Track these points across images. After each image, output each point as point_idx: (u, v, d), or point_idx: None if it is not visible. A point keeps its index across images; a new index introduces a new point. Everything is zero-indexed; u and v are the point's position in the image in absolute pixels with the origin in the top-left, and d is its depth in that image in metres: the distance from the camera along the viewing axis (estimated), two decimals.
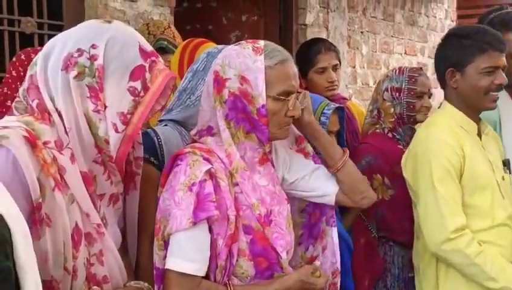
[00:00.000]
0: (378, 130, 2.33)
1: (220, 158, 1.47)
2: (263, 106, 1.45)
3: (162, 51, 2.48)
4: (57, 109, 1.30)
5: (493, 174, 2.01)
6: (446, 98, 2.10)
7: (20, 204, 1.09)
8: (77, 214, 1.30)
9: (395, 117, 2.29)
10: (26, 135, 1.23)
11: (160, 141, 1.64)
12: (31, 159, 1.22)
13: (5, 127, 1.23)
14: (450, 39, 2.06)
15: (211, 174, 1.42)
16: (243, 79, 1.46)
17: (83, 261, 1.31)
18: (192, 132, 1.56)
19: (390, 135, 2.31)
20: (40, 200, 1.22)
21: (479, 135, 2.07)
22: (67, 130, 1.29)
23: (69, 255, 1.28)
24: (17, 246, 0.92)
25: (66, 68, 1.30)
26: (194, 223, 1.37)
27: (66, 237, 1.27)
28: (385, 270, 2.24)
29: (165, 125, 1.71)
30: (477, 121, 2.08)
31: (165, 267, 1.42)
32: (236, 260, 1.44)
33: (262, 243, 1.46)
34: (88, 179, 1.32)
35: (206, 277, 1.44)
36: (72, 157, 1.29)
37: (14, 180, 1.19)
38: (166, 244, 1.43)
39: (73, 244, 1.28)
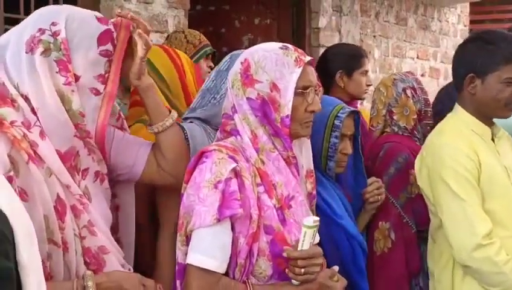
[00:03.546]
0: (388, 130, 2.33)
1: (244, 157, 1.48)
2: (287, 116, 1.47)
3: (207, 56, 2.51)
4: (22, 95, 1.32)
5: (509, 179, 1.99)
6: (459, 101, 2.08)
7: None
8: (57, 186, 1.31)
9: (416, 115, 2.32)
10: None
11: (187, 136, 1.66)
12: (0, 137, 1.24)
13: None
14: (474, 43, 2.00)
15: (236, 173, 1.43)
16: (274, 86, 1.47)
17: (72, 232, 1.31)
18: (218, 134, 1.57)
19: (406, 134, 2.31)
20: (11, 173, 1.23)
21: (493, 139, 2.05)
22: (36, 110, 1.31)
23: (54, 227, 1.28)
24: (20, 245, 0.91)
25: (31, 50, 1.32)
26: (218, 220, 1.38)
27: (48, 210, 1.28)
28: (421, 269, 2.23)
29: (190, 122, 1.72)
30: (490, 124, 2.06)
31: (186, 262, 1.43)
32: (256, 260, 1.44)
33: (282, 244, 1.46)
34: (63, 157, 1.33)
35: (225, 274, 1.44)
36: (42, 134, 1.31)
37: None
38: (188, 239, 1.44)
39: (58, 216, 1.29)
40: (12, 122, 1.27)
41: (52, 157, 1.31)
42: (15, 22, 2.63)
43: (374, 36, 4.89)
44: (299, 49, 1.54)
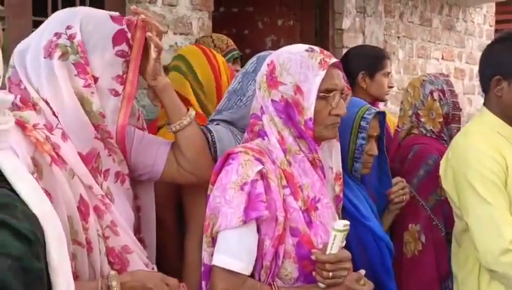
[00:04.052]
0: (416, 132, 2.32)
1: (271, 159, 1.48)
2: (310, 119, 1.47)
3: (234, 60, 2.53)
4: (43, 98, 1.34)
5: None
6: (486, 104, 2.05)
7: None
8: (80, 187, 1.33)
9: (442, 118, 2.29)
10: (17, 118, 1.27)
11: (214, 138, 1.67)
12: (23, 140, 1.25)
13: None
14: (502, 44, 1.97)
15: (262, 175, 1.43)
16: (297, 89, 1.48)
17: (95, 232, 1.33)
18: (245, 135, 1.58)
19: (434, 136, 2.30)
20: (35, 176, 1.25)
21: None
22: (56, 114, 1.33)
23: (78, 227, 1.30)
24: (50, 247, 0.92)
25: (49, 55, 1.34)
26: (244, 222, 1.39)
27: (72, 211, 1.29)
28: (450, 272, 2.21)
29: (217, 124, 1.74)
30: None
31: (212, 263, 1.44)
32: (282, 262, 1.45)
33: (308, 247, 1.46)
34: (85, 158, 1.35)
35: (251, 276, 1.45)
36: (64, 136, 1.33)
37: None
38: (214, 241, 1.45)
39: (82, 216, 1.31)
40: (34, 125, 1.29)
41: (74, 158, 1.33)
42: None
43: (398, 37, 4.85)
44: (325, 51, 1.54)
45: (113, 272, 1.34)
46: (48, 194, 1.26)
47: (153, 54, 1.43)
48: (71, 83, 1.33)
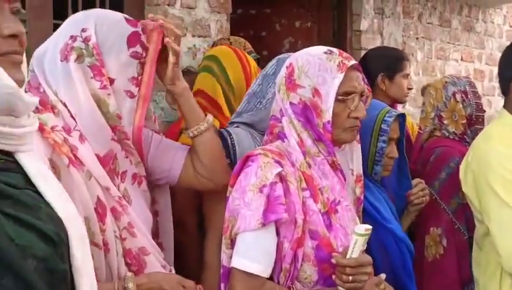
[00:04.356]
0: (438, 134, 2.29)
1: (290, 161, 1.48)
2: (329, 122, 1.46)
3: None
4: (61, 101, 1.35)
5: None
6: (505, 105, 2.02)
7: None
8: (97, 189, 1.33)
9: (465, 119, 2.27)
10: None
11: (233, 141, 1.68)
12: (42, 142, 1.26)
13: None
14: None
15: (281, 177, 1.43)
16: (316, 92, 1.47)
17: (112, 233, 1.33)
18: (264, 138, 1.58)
19: (456, 138, 2.27)
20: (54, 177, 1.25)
21: None
22: (74, 116, 1.34)
23: (95, 229, 1.30)
24: (74, 249, 0.94)
25: (65, 58, 1.35)
26: (263, 225, 1.39)
27: (89, 212, 1.30)
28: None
29: (237, 126, 1.74)
30: None
31: (231, 265, 1.44)
32: (301, 265, 1.44)
33: (328, 250, 1.45)
34: (102, 160, 1.35)
35: (270, 279, 1.45)
36: (81, 138, 1.33)
37: None
38: (233, 243, 1.45)
39: (99, 218, 1.31)
40: (53, 127, 1.30)
41: (92, 160, 1.34)
42: None
43: (417, 38, 4.81)
44: (344, 53, 1.53)
45: (129, 274, 1.34)
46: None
47: (171, 58, 1.44)
48: (87, 86, 1.35)
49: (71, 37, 1.37)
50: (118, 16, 1.44)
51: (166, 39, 1.42)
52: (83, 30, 1.37)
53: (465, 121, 2.29)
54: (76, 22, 1.41)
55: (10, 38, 0.89)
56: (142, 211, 1.44)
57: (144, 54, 1.40)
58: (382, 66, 2.58)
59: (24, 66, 0.95)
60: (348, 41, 4.16)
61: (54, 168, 1.26)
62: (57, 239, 0.90)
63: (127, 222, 1.37)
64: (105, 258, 1.33)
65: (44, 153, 1.26)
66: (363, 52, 4.04)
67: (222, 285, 1.49)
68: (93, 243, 1.30)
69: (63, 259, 0.91)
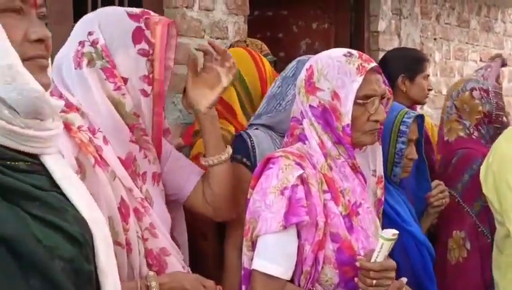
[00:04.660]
0: (462, 133, 2.26)
1: (311, 163, 1.48)
2: (348, 125, 1.46)
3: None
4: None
5: None
6: None
7: None
8: (121, 189, 1.34)
9: (482, 115, 2.24)
10: (63, 120, 1.29)
11: (253, 143, 1.68)
12: (69, 141, 1.28)
13: None
14: None
15: (302, 180, 1.43)
16: (335, 95, 1.47)
17: (135, 233, 1.34)
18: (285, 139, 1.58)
19: (476, 134, 2.24)
20: (79, 177, 1.24)
21: None
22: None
23: (119, 228, 1.31)
24: (99, 250, 0.94)
25: (78, 65, 1.36)
26: (284, 227, 1.39)
27: (113, 212, 1.31)
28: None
29: (256, 128, 1.74)
30: None
31: (252, 267, 1.44)
32: (322, 267, 1.44)
33: (349, 252, 1.45)
34: (124, 163, 1.36)
35: (291, 281, 1.45)
36: (105, 139, 1.34)
37: None
38: (254, 245, 1.45)
39: (122, 218, 1.32)
40: (79, 127, 1.32)
41: (115, 161, 1.35)
42: None
43: (435, 39, 4.77)
44: (364, 56, 1.52)
45: (151, 273, 1.35)
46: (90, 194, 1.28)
47: (225, 83, 1.47)
48: (103, 88, 1.35)
49: (80, 43, 1.37)
50: (119, 11, 1.43)
51: (228, 65, 1.46)
52: (90, 33, 1.37)
53: (479, 116, 2.26)
54: (83, 26, 1.41)
55: (37, 42, 0.90)
56: (162, 211, 1.45)
57: (151, 51, 1.38)
58: (402, 67, 2.57)
59: (49, 69, 0.96)
60: (366, 42, 4.14)
61: (80, 167, 1.28)
62: (82, 240, 0.91)
63: (149, 222, 1.38)
64: (127, 258, 1.34)
65: (71, 152, 1.28)
66: (380, 54, 4.03)
67: (243, 287, 1.50)
68: (116, 243, 1.31)
69: (88, 260, 0.92)
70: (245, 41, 2.69)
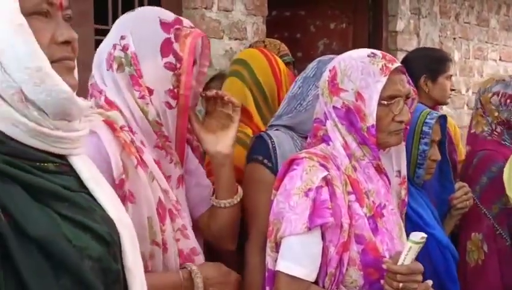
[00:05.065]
0: (486, 128, 2.23)
1: (335, 164, 1.47)
2: (372, 126, 1.45)
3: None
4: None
5: None
6: None
7: None
8: (159, 191, 1.35)
9: (499, 120, 2.20)
10: (105, 118, 1.31)
11: (274, 144, 1.67)
12: (113, 140, 1.28)
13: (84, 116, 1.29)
14: None
15: (327, 181, 1.42)
16: (359, 95, 1.46)
17: (171, 234, 1.35)
18: (308, 140, 1.58)
19: (498, 129, 2.20)
20: (123, 177, 1.28)
21: None
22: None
23: (157, 228, 1.32)
24: (126, 250, 0.95)
25: (110, 66, 1.36)
26: (309, 229, 1.39)
27: (152, 212, 1.32)
28: None
29: (276, 129, 1.74)
30: None
31: (276, 269, 1.44)
32: (346, 269, 1.43)
33: (373, 254, 1.44)
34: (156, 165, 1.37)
35: (315, 283, 1.44)
36: (142, 142, 1.35)
37: (97, 160, 1.22)
38: (278, 246, 1.45)
39: (160, 218, 1.33)
40: (122, 127, 1.32)
41: (153, 163, 1.36)
42: (105, 32, 2.77)
43: (454, 38, 4.73)
44: (388, 56, 1.51)
45: (191, 264, 1.38)
46: (132, 194, 1.30)
47: (234, 131, 1.47)
48: (131, 94, 1.35)
49: (113, 45, 1.37)
50: (153, 16, 1.39)
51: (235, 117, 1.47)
52: (122, 38, 1.37)
53: (497, 121, 2.19)
54: (116, 28, 1.40)
55: (63, 44, 0.91)
56: (187, 213, 1.47)
57: (178, 65, 1.36)
58: (425, 67, 2.53)
59: (76, 71, 0.97)
60: (384, 42, 4.12)
61: (123, 166, 1.28)
62: (110, 240, 0.92)
63: (181, 224, 1.39)
64: (163, 257, 1.35)
65: (118, 152, 1.28)
66: (399, 53, 4.00)
67: (267, 288, 1.49)
68: (154, 242, 1.33)
69: (116, 260, 0.93)
70: (263, 42, 2.68)
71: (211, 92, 1.50)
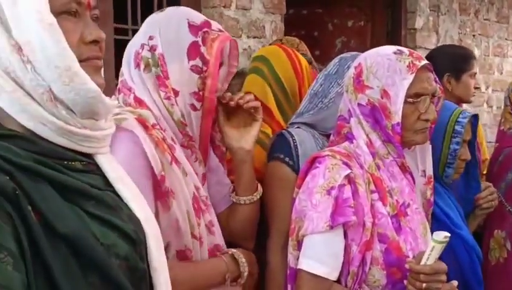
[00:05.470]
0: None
1: (358, 163, 1.46)
2: (398, 124, 1.44)
3: None
4: None
5: None
6: None
7: (146, 180, 1.23)
8: (192, 186, 1.36)
9: None
10: (137, 116, 1.31)
11: (295, 142, 1.67)
12: (147, 138, 1.29)
13: (116, 114, 1.28)
14: None
15: (349, 179, 1.42)
16: (384, 93, 1.45)
17: (204, 228, 1.38)
18: (331, 138, 1.57)
19: None
20: (163, 173, 1.29)
21: None
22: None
23: (194, 222, 1.34)
24: (152, 249, 0.95)
25: (137, 65, 1.37)
26: (331, 227, 1.38)
27: (189, 206, 1.34)
28: None
29: (298, 127, 1.73)
30: None
31: (298, 267, 1.44)
32: (369, 268, 1.42)
33: (397, 253, 1.43)
34: None
35: (337, 282, 1.44)
36: (173, 139, 1.36)
37: (140, 157, 1.26)
38: (300, 244, 1.45)
39: (195, 213, 1.35)
40: (153, 125, 1.33)
41: (185, 159, 1.37)
42: (124, 32, 2.79)
43: (474, 35, 4.67)
44: (415, 53, 1.49)
45: (230, 249, 1.42)
46: (171, 190, 1.31)
47: (256, 130, 1.47)
48: (157, 93, 1.36)
49: (141, 45, 1.38)
50: (181, 17, 1.39)
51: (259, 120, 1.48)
52: (150, 38, 1.37)
53: None
54: (147, 26, 1.41)
55: (92, 44, 0.91)
56: (213, 210, 1.47)
57: (205, 68, 1.37)
58: (448, 65, 2.50)
59: (102, 70, 0.97)
60: (403, 39, 4.09)
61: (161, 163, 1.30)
62: (136, 239, 0.92)
63: (209, 220, 1.41)
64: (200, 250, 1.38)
65: (153, 149, 1.29)
66: (418, 51, 3.96)
67: (289, 286, 1.49)
68: (192, 235, 1.35)
69: (142, 258, 0.93)
70: (281, 40, 2.66)
71: (227, 97, 1.49)
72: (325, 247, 1.40)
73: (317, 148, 1.65)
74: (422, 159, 1.60)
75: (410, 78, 1.43)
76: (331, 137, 1.58)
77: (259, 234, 1.64)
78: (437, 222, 1.67)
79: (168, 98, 1.36)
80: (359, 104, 1.48)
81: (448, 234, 1.38)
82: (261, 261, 1.64)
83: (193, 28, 1.38)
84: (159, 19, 1.42)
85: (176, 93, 1.36)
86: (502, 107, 2.39)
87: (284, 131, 1.74)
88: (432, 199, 1.62)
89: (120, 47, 2.40)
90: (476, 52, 4.73)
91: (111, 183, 0.96)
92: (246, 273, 1.41)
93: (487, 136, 3.87)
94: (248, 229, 1.54)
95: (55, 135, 0.87)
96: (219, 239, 1.44)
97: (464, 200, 1.92)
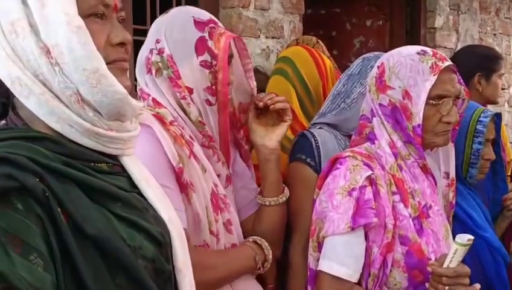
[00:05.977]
0: None
1: (380, 164, 1.45)
2: (419, 125, 1.42)
3: None
4: None
5: None
6: None
7: (166, 173, 1.24)
8: (210, 182, 1.36)
9: None
10: (154, 113, 1.33)
11: (317, 143, 1.66)
12: (166, 133, 1.30)
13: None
14: None
15: (371, 181, 1.41)
16: (406, 93, 1.44)
17: (222, 225, 1.37)
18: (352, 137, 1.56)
19: None
20: (181, 165, 1.29)
21: None
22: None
23: (212, 218, 1.34)
24: (177, 249, 0.96)
25: (149, 71, 1.39)
26: (352, 229, 1.37)
27: (207, 202, 1.34)
28: None
29: (320, 128, 1.72)
30: None
31: (318, 268, 1.43)
32: (390, 271, 1.41)
33: (418, 256, 1.41)
34: None
35: (358, 284, 1.43)
36: (191, 136, 1.37)
37: (159, 151, 1.27)
38: (320, 246, 1.44)
39: (213, 209, 1.35)
40: (171, 122, 1.35)
41: (203, 156, 1.37)
42: (143, 33, 2.80)
43: (494, 34, 4.61)
44: (438, 54, 1.47)
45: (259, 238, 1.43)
46: (191, 183, 1.32)
47: (284, 129, 1.48)
48: (173, 95, 1.37)
49: (150, 50, 1.39)
50: (186, 17, 1.40)
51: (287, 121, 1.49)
52: (157, 41, 1.38)
53: None
54: (153, 30, 1.42)
55: (118, 46, 0.92)
56: (234, 211, 1.47)
57: (214, 62, 1.37)
58: (478, 65, 2.45)
59: (128, 72, 0.98)
60: (422, 38, 4.05)
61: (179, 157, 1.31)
62: (162, 240, 0.92)
63: (227, 218, 1.40)
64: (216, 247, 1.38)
65: (172, 143, 1.30)
66: (437, 50, 3.92)
67: (309, 288, 1.49)
68: (210, 231, 1.35)
69: (168, 260, 0.94)
70: (296, 40, 2.65)
71: (258, 98, 1.51)
72: (345, 248, 1.39)
73: (339, 149, 1.64)
74: (445, 160, 1.58)
75: (433, 79, 1.41)
76: (353, 136, 1.57)
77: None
78: (459, 223, 1.65)
79: (184, 98, 1.37)
80: (380, 104, 1.47)
81: (472, 237, 1.36)
82: (283, 262, 1.64)
83: (199, 24, 1.38)
84: (163, 21, 1.42)
85: (190, 91, 1.37)
86: None
87: (305, 131, 1.73)
88: (453, 202, 1.60)
89: (139, 48, 2.41)
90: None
91: (136, 184, 0.97)
92: (270, 257, 1.42)
93: (509, 137, 3.81)
94: (275, 233, 1.51)
95: (82, 137, 0.88)
96: (237, 239, 1.43)
97: (491, 201, 1.89)
